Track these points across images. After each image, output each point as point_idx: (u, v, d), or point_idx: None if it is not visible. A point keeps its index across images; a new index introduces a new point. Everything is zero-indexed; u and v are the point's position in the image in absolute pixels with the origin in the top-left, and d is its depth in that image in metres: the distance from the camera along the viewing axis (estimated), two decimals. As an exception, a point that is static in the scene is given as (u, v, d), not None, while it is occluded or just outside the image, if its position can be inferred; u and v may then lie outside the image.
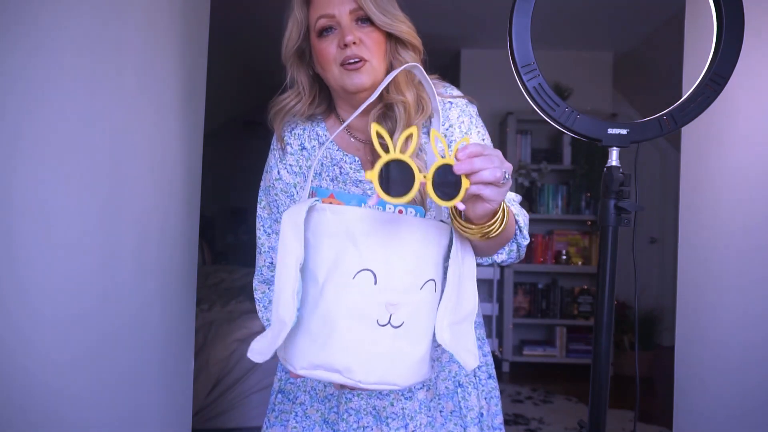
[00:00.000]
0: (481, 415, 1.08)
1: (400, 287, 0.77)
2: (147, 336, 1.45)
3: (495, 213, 0.80)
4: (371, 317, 0.77)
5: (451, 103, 1.04)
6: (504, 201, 0.84)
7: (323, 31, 0.98)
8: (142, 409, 1.44)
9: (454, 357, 0.82)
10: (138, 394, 1.41)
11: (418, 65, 0.85)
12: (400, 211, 0.84)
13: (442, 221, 0.86)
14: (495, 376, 1.14)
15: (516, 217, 0.98)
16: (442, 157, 0.73)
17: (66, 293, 1.10)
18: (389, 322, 0.77)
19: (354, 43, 0.95)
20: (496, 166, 0.73)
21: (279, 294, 0.78)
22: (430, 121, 1.03)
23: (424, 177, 0.73)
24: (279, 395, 1.13)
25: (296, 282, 0.78)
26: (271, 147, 1.12)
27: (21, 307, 0.99)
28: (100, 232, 1.21)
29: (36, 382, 1.03)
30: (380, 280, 0.77)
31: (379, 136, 0.73)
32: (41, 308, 1.04)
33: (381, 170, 0.70)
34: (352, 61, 0.96)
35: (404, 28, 0.99)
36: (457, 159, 0.73)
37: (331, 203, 0.83)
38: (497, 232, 0.83)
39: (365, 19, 0.97)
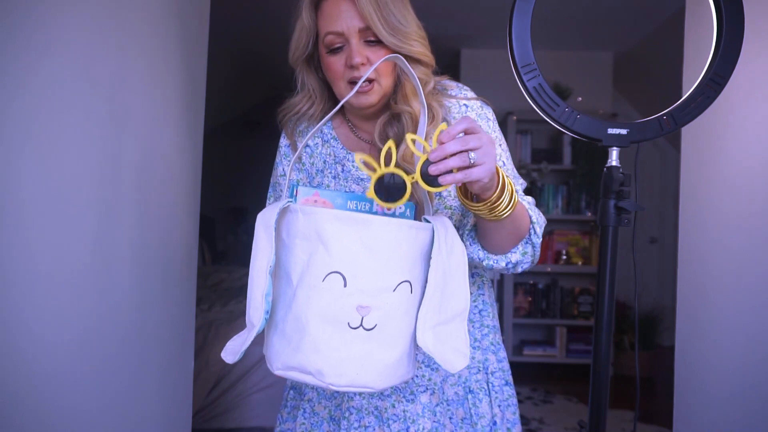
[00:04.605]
0: (494, 423, 1.06)
1: (370, 289, 0.77)
2: (147, 336, 1.45)
3: (496, 188, 0.83)
4: (342, 320, 0.77)
5: (466, 106, 1.03)
6: (509, 182, 0.86)
7: (331, 47, 0.96)
8: (142, 409, 1.44)
9: (435, 360, 0.80)
10: (138, 394, 1.41)
11: (400, 56, 0.85)
12: (389, 208, 0.84)
13: (426, 219, 0.84)
14: (512, 384, 1.11)
15: (528, 211, 0.97)
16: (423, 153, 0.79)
17: (66, 294, 1.10)
18: (361, 324, 0.77)
19: (362, 63, 0.93)
20: (464, 148, 0.76)
21: (249, 296, 0.79)
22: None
23: (413, 178, 0.79)
24: (291, 391, 1.14)
25: (266, 285, 0.78)
26: (279, 144, 1.13)
27: (20, 309, 0.99)
28: (100, 233, 1.21)
29: (36, 382, 1.03)
30: (349, 283, 0.76)
31: (365, 163, 0.79)
32: (41, 309, 1.04)
33: (376, 186, 0.79)
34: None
35: (415, 48, 0.95)
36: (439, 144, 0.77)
37: (315, 201, 0.83)
38: (506, 208, 0.85)
39: (374, 38, 0.94)
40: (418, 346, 0.81)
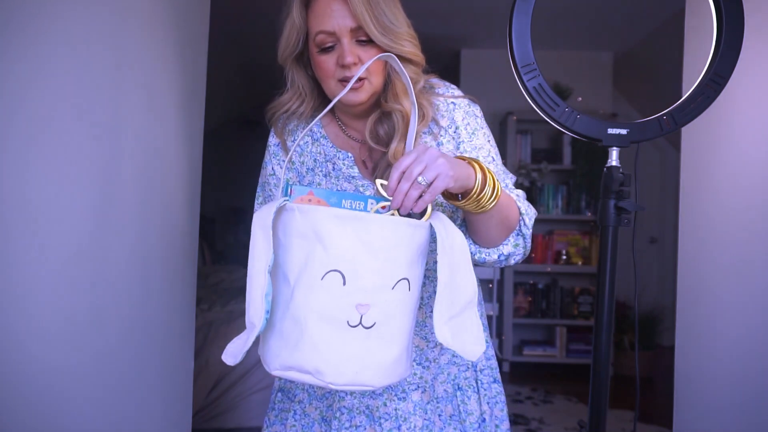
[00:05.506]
0: (483, 420, 1.06)
1: (369, 287, 0.77)
2: (147, 336, 1.45)
3: (474, 177, 0.86)
4: (341, 318, 0.77)
5: (454, 104, 1.03)
6: (489, 171, 0.88)
7: (322, 46, 0.95)
8: (143, 409, 1.44)
9: (457, 353, 0.81)
10: (138, 394, 1.41)
11: (393, 56, 0.85)
12: (383, 207, 0.84)
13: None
14: (500, 381, 1.12)
15: (517, 203, 0.99)
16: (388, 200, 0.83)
17: (66, 294, 1.10)
18: (360, 323, 0.77)
19: (354, 63, 0.93)
20: (411, 180, 0.79)
21: (249, 297, 0.79)
22: (430, 126, 1.03)
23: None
24: (279, 394, 1.13)
25: (265, 285, 0.78)
26: (267, 143, 1.12)
27: (20, 310, 0.99)
28: (99, 233, 1.21)
29: (37, 383, 1.03)
30: (349, 281, 0.77)
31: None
32: (41, 310, 1.04)
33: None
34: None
35: (406, 48, 0.95)
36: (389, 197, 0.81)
37: (309, 200, 0.83)
38: (490, 199, 0.87)
39: (366, 37, 0.94)
40: (413, 343, 0.82)
